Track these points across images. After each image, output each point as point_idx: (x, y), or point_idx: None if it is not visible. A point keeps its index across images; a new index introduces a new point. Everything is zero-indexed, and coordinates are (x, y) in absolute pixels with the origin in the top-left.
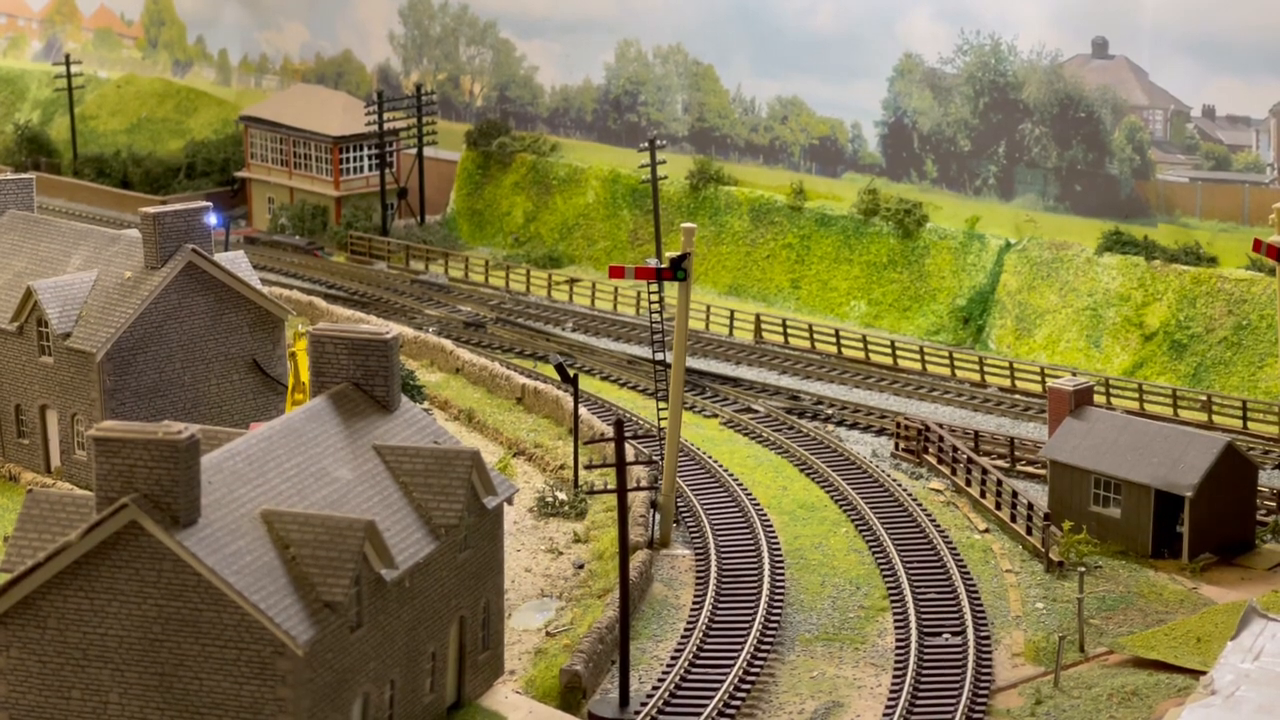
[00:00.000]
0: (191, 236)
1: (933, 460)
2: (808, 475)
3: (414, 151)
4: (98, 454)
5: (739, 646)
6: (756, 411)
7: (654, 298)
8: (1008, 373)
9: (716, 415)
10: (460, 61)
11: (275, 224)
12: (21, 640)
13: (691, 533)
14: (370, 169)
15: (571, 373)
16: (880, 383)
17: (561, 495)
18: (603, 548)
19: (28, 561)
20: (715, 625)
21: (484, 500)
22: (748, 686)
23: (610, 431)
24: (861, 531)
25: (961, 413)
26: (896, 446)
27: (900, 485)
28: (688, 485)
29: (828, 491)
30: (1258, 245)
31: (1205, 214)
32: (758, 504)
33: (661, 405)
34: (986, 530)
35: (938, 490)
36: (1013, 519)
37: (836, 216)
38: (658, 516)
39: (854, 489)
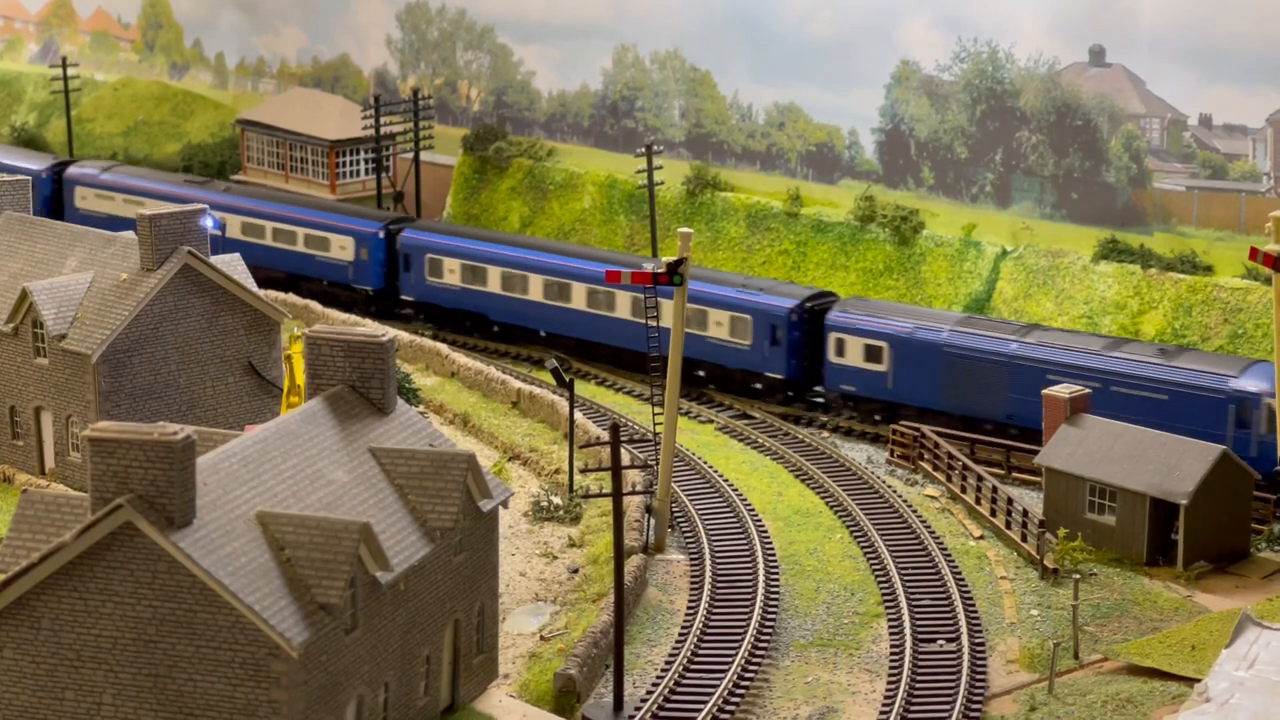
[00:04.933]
0: (187, 239)
1: (928, 466)
2: (803, 481)
3: (410, 156)
4: (93, 455)
5: (733, 652)
6: (752, 417)
7: (650, 302)
8: None
9: (712, 420)
10: (457, 66)
11: None
12: (15, 641)
13: (686, 538)
14: (366, 173)
15: (567, 377)
16: None
17: (556, 499)
18: (598, 552)
19: (22, 562)
20: (710, 630)
21: (479, 504)
22: (742, 692)
23: (606, 436)
24: (856, 537)
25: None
26: (892, 453)
27: (895, 491)
28: (683, 490)
29: (823, 497)
30: (1254, 254)
31: (1201, 222)
32: (753, 509)
33: (657, 410)
34: (981, 537)
35: (933, 496)
36: (1008, 525)
37: (833, 223)
38: (653, 521)
39: (849, 495)
